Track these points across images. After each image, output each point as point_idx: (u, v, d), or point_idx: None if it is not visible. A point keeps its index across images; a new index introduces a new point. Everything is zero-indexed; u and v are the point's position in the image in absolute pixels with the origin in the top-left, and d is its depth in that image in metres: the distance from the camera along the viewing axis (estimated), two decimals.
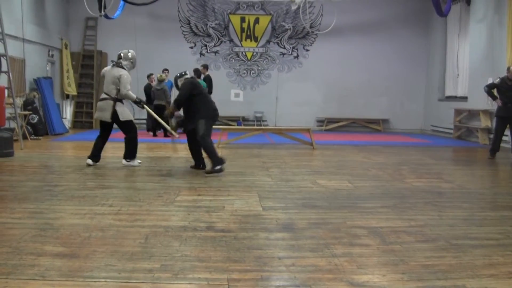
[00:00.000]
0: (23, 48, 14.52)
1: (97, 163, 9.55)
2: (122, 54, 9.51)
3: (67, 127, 17.78)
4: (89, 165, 9.42)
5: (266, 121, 20.53)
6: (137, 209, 6.07)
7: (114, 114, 9.25)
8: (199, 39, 20.36)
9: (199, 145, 9.04)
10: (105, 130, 9.56)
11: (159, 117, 10.74)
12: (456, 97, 18.29)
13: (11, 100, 12.22)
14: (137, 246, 4.58)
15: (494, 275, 4.05)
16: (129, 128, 9.44)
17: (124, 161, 9.51)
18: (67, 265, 4.05)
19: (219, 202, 6.57)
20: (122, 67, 9.31)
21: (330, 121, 20.45)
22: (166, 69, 16.68)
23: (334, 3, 17.98)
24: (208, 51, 20.40)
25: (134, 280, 3.79)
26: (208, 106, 8.98)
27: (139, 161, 9.62)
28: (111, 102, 9.22)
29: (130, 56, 9.48)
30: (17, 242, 4.59)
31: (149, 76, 16.88)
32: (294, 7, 18.57)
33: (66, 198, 6.63)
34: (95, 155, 9.54)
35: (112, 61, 9.68)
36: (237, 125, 19.50)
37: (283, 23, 20.42)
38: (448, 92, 19.05)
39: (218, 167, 8.63)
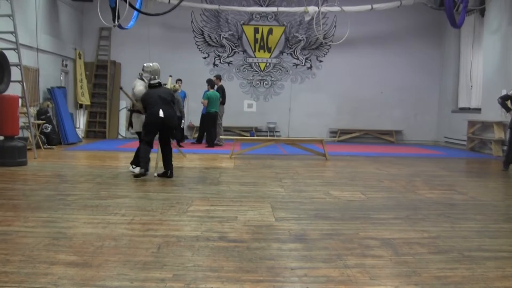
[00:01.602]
0: (37, 58, 14.65)
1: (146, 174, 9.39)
2: (144, 66, 9.59)
3: (80, 136, 17.91)
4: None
5: (279, 131, 20.51)
6: (149, 218, 6.08)
7: (131, 125, 9.68)
8: (213, 49, 20.43)
9: (169, 152, 9.31)
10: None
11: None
12: (469, 108, 18.18)
13: (24, 110, 12.32)
14: (149, 255, 4.58)
15: (507, 287, 4.02)
16: (141, 138, 9.62)
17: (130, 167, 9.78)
18: (79, 274, 4.06)
19: (231, 212, 6.57)
20: (142, 79, 9.41)
21: (343, 132, 20.37)
22: (180, 80, 16.74)
23: (348, 15, 17.97)
24: (222, 62, 20.45)
25: None
26: (150, 113, 9.02)
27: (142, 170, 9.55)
28: (128, 113, 9.75)
29: (149, 69, 9.42)
30: (30, 251, 4.61)
31: None
32: (307, 18, 18.63)
33: (79, 207, 6.66)
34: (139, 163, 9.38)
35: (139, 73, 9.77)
36: (250, 136, 19.53)
37: (297, 34, 20.45)
38: (462, 104, 18.93)
39: (141, 170, 8.93)
